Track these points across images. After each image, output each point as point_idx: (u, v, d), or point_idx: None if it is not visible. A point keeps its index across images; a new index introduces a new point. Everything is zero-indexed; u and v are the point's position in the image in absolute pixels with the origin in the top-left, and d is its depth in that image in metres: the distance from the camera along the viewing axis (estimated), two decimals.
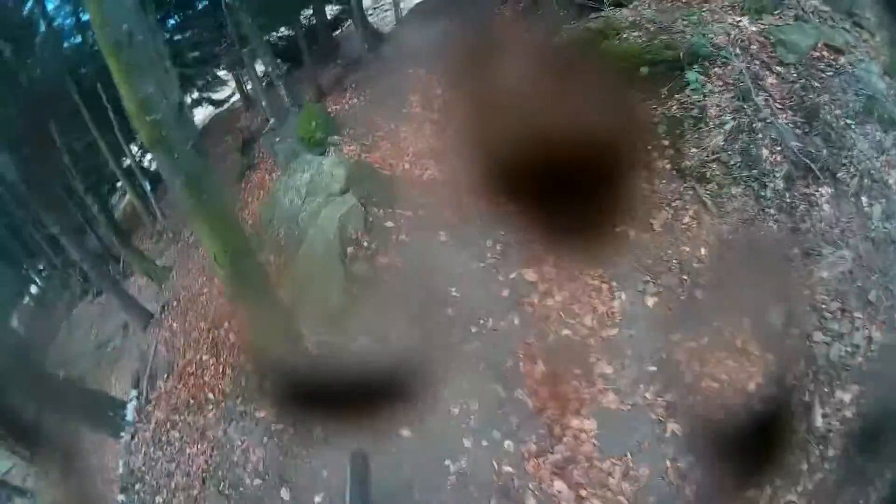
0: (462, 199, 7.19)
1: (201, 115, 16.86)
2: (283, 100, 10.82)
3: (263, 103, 11.62)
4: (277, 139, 9.70)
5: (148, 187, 13.25)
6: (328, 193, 7.55)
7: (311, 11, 14.35)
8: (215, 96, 15.88)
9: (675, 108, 6.66)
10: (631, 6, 7.71)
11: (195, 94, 15.49)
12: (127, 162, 12.58)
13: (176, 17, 13.43)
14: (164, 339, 9.51)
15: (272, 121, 10.73)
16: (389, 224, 7.25)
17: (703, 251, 5.91)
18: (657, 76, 6.94)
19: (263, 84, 11.96)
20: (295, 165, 8.70)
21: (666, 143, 6.59)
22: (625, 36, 7.18)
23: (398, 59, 11.91)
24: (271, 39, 14.45)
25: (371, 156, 8.58)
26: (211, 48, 13.61)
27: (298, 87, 13.09)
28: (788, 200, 6.05)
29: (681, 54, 6.76)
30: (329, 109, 10.16)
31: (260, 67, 12.32)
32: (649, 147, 6.66)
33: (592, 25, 7.55)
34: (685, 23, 7.11)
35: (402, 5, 14.99)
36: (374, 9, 16.89)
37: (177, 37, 13.54)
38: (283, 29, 14.37)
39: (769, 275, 5.59)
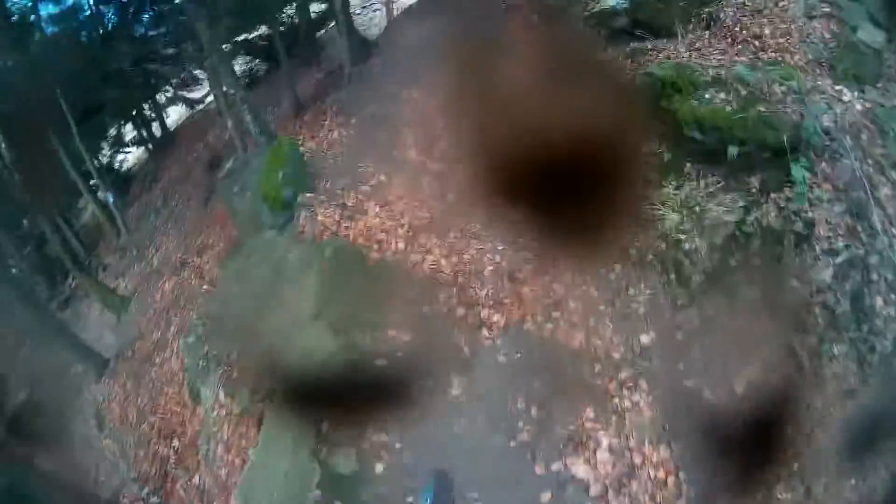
0: (479, 316, 4.83)
1: (175, 115, 14.56)
2: (250, 127, 8.03)
3: (230, 124, 8.83)
4: (236, 189, 6.95)
5: (111, 199, 11.53)
6: (292, 316, 4.89)
7: (293, 10, 11.59)
8: (191, 95, 14.04)
9: (773, 214, 4.30)
10: (703, 52, 5.23)
11: (169, 93, 13.93)
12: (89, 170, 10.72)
13: (150, 11, 11.61)
14: (117, 415, 7.66)
15: (231, 161, 7.96)
16: (381, 364, 4.66)
17: (789, 430, 3.69)
18: (748, 160, 4.55)
19: (233, 98, 9.09)
20: (251, 246, 6.02)
21: (757, 262, 4.28)
22: (707, 96, 4.70)
23: (388, 76, 9.23)
24: (249, 37, 12.24)
25: (353, 228, 5.93)
26: (186, 47, 11.45)
27: (273, 94, 10.79)
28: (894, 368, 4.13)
29: (784, 138, 4.34)
30: (304, 147, 7.40)
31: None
32: (734, 263, 4.34)
33: (657, 71, 5.03)
34: (783, 87, 4.67)
35: (394, 4, 12.20)
36: (363, 7, 13.88)
37: (151, 32, 11.88)
38: (261, 28, 11.72)
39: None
